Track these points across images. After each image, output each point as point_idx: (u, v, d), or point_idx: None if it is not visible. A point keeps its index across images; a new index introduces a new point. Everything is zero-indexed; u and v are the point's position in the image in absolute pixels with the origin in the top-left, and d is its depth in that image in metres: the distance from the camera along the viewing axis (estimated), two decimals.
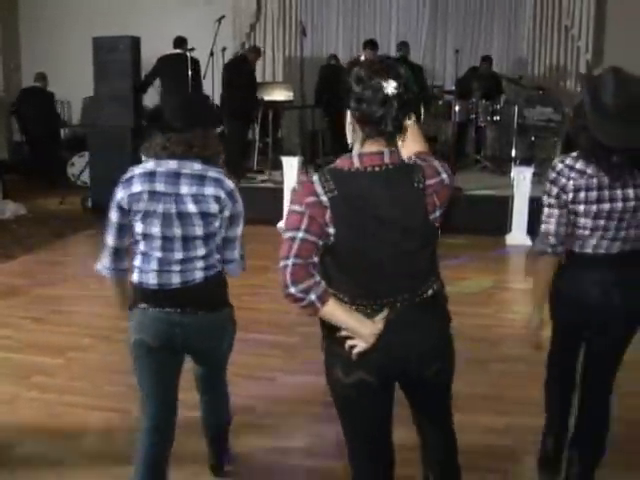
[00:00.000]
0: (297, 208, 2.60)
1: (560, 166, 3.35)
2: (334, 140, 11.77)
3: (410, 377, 2.85)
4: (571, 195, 3.30)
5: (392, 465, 3.04)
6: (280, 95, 12.27)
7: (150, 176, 3.32)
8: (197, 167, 3.31)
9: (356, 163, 2.60)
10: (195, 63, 11.56)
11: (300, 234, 2.59)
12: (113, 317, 6.44)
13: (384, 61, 2.67)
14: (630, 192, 3.26)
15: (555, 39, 13.48)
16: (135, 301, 3.44)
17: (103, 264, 3.53)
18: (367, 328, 2.66)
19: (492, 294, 7.35)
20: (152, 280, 3.34)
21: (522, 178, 9.28)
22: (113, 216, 3.41)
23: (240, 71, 11.49)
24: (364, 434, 2.93)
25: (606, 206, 3.27)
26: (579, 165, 3.30)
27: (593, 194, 3.27)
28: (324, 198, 2.56)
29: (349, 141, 2.71)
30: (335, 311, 2.66)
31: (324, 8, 14.26)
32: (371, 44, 11.70)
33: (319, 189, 2.58)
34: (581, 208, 3.30)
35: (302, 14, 14.17)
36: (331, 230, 2.59)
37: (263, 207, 9.86)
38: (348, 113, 2.65)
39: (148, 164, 3.39)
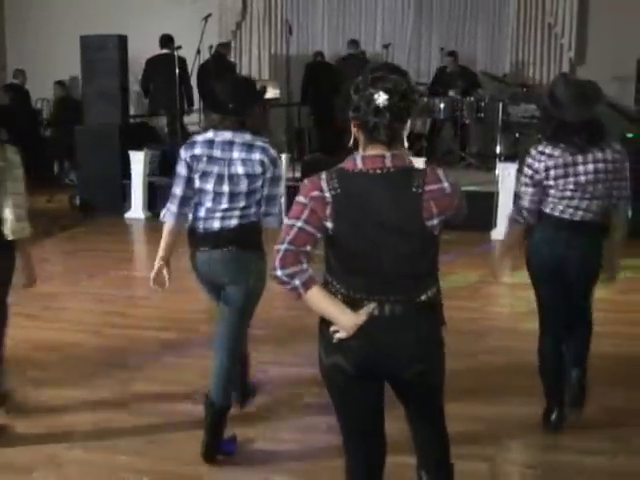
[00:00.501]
0: (302, 200, 2.75)
1: (534, 152, 4.20)
2: (320, 137, 11.85)
3: (394, 376, 2.91)
4: (543, 174, 4.14)
5: (380, 454, 3.17)
6: (267, 93, 12.31)
7: (209, 143, 4.06)
8: (247, 137, 4.03)
9: (359, 165, 2.72)
10: (182, 62, 11.66)
11: (299, 223, 2.73)
12: (104, 313, 6.57)
13: (382, 69, 2.72)
14: (590, 167, 4.09)
15: (538, 37, 13.57)
16: (191, 242, 4.22)
17: (170, 210, 4.20)
18: (348, 319, 2.74)
19: (478, 288, 7.44)
20: (200, 224, 4.12)
21: (507, 174, 9.38)
22: (182, 171, 4.11)
23: (222, 68, 11.62)
24: (346, 418, 3.07)
25: (571, 179, 4.10)
26: (548, 150, 4.14)
27: (560, 171, 4.11)
28: (327, 194, 2.71)
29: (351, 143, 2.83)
30: (317, 298, 2.77)
31: (310, 7, 14.32)
32: (354, 44, 11.90)
33: (324, 185, 2.72)
34: (551, 183, 4.14)
35: (288, 13, 14.22)
36: (329, 225, 2.73)
37: None
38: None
39: (208, 134, 4.10)
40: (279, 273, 2.78)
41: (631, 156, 4.33)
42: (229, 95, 4.07)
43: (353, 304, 2.77)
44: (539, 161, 4.14)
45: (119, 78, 11.10)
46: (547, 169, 4.12)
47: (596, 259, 4.29)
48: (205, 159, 4.04)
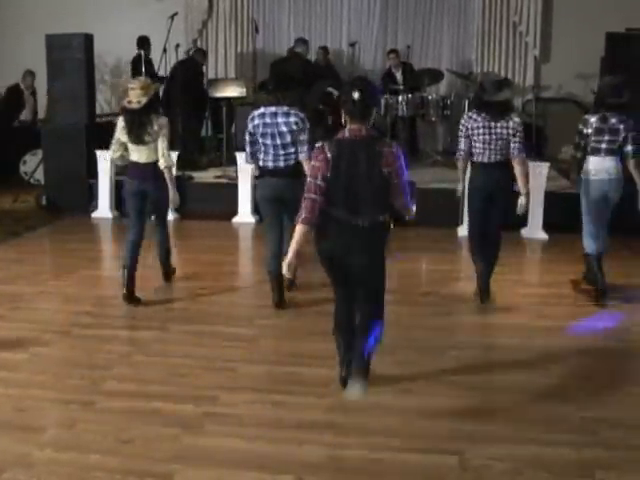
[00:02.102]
0: (315, 163, 4.52)
1: (466, 117, 6.81)
2: None
3: (351, 261, 4.61)
4: (470, 131, 6.65)
5: (353, 297, 4.84)
6: (233, 91, 12.28)
7: (262, 115, 6.57)
8: (285, 109, 6.55)
9: (347, 134, 4.55)
10: (148, 62, 11.74)
11: (317, 180, 4.48)
12: (72, 313, 6.55)
13: (358, 79, 5.03)
14: (499, 129, 6.52)
15: (504, 35, 13.70)
16: (260, 175, 6.78)
17: (245, 159, 6.92)
18: (291, 257, 4.49)
19: (447, 284, 7.50)
20: (269, 164, 6.63)
21: None
22: (248, 138, 6.65)
23: (190, 71, 11.68)
24: (332, 277, 4.85)
25: (487, 137, 6.55)
26: (474, 116, 6.65)
27: (480, 130, 6.58)
28: (329, 155, 4.48)
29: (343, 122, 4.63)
30: (298, 232, 4.47)
31: (276, 5, 14.32)
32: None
33: (327, 150, 4.49)
34: (475, 137, 6.62)
35: (254, 11, 14.22)
36: (329, 174, 4.47)
37: (217, 203, 9.94)
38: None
39: (260, 109, 6.64)
40: (303, 213, 4.47)
41: None
42: (272, 81, 6.92)
43: (339, 222, 4.51)
44: (467, 122, 6.69)
45: (85, 77, 11.02)
46: (472, 128, 6.63)
47: (506, 182, 6.69)
48: (261, 126, 6.55)
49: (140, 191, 6.85)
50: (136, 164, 6.82)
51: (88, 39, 11.08)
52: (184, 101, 11.54)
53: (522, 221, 9.49)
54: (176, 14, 11.78)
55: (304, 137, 6.53)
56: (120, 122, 6.81)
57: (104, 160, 10.67)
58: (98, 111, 12.67)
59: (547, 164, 9.78)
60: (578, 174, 6.95)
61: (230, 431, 4.41)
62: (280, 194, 6.56)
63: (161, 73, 11.77)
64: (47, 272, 7.95)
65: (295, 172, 6.52)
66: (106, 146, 10.76)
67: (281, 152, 6.54)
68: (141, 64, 12.00)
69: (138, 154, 6.78)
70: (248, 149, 6.70)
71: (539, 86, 13.52)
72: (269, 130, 6.50)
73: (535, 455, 4.12)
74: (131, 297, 6.70)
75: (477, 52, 13.79)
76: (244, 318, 6.51)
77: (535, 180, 9.43)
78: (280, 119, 6.49)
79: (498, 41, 13.73)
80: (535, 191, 9.45)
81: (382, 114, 11.71)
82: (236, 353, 5.60)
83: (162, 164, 6.71)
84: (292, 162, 6.56)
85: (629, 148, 6.74)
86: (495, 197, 6.62)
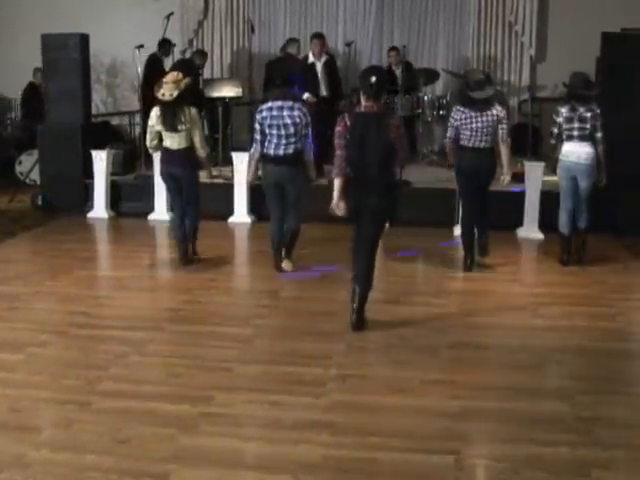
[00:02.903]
0: (338, 127, 5.96)
1: (455, 110, 7.83)
2: None
3: (366, 207, 6.00)
4: (458, 122, 7.71)
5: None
6: (229, 91, 12.26)
7: (270, 109, 7.50)
8: (290, 103, 7.50)
9: (362, 109, 5.99)
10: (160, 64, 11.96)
11: (339, 140, 5.94)
12: (68, 313, 6.54)
13: (373, 67, 6.71)
14: (483, 119, 7.60)
15: (499, 35, 13.70)
16: (263, 161, 7.61)
17: (257, 148, 7.61)
18: (336, 200, 5.99)
19: (442, 284, 7.51)
20: (272, 152, 7.49)
21: None
22: (257, 127, 7.54)
23: (186, 73, 11.64)
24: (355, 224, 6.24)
25: (474, 125, 7.61)
26: (461, 109, 7.71)
27: (467, 120, 7.63)
28: (348, 123, 5.92)
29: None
30: (335, 185, 6.00)
31: (272, 5, 14.29)
32: (318, 36, 11.83)
33: (347, 119, 5.95)
34: (463, 127, 7.68)
35: (250, 11, 14.21)
36: (347, 137, 5.91)
37: (214, 203, 9.92)
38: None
39: (268, 103, 7.59)
40: (335, 169, 6.01)
41: None
42: (279, 78, 7.73)
43: (355, 179, 5.98)
44: (456, 114, 7.74)
45: (81, 77, 11.02)
46: (461, 119, 7.67)
47: (492, 164, 7.78)
48: (268, 118, 7.46)
49: (169, 174, 7.89)
50: (168, 150, 7.80)
51: (84, 39, 11.07)
52: None
53: (518, 221, 9.52)
54: (172, 14, 11.81)
55: (306, 131, 7.51)
56: (154, 112, 7.74)
57: (100, 160, 10.68)
58: (94, 111, 12.68)
59: (543, 164, 9.77)
60: (555, 160, 8.08)
61: (226, 431, 4.41)
62: (280, 178, 7.55)
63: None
64: (43, 272, 7.94)
65: (294, 160, 7.49)
66: (102, 146, 10.93)
67: (283, 142, 7.44)
68: (157, 65, 12.22)
69: (170, 141, 7.74)
70: (259, 137, 7.54)
71: (535, 86, 13.53)
72: (275, 122, 7.42)
73: (531, 455, 4.12)
74: (187, 260, 8.04)
75: (473, 52, 13.78)
76: (240, 318, 6.50)
77: (531, 180, 9.46)
78: (286, 112, 7.42)
79: (494, 41, 13.73)
80: (531, 191, 9.47)
81: None
82: (232, 353, 5.60)
83: (202, 154, 7.92)
84: (291, 151, 7.46)
85: (599, 135, 7.76)
86: (480, 176, 7.74)
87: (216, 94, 12.28)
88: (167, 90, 7.55)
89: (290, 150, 7.45)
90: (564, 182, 7.98)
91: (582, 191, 7.90)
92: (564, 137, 7.84)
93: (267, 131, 7.44)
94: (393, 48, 13.07)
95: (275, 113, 7.42)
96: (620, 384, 5.18)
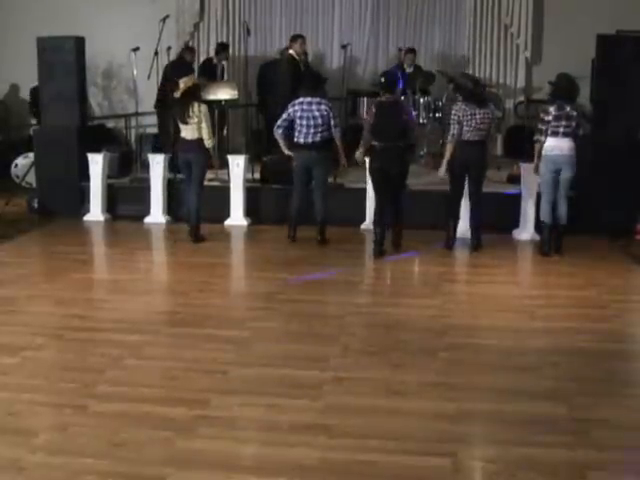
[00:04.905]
0: (365, 117, 9.25)
1: (457, 106, 8.69)
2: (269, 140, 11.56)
3: (389, 172, 8.52)
4: (461, 117, 8.52)
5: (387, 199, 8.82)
6: (225, 94, 12.21)
7: (301, 103, 9.02)
8: (317, 99, 9.05)
9: (383, 99, 8.62)
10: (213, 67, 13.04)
11: (367, 123, 8.65)
12: (64, 316, 6.54)
13: (385, 72, 9.80)
14: (480, 115, 8.51)
15: (495, 37, 13.71)
16: (296, 148, 9.08)
17: (279, 131, 9.18)
18: (359, 155, 8.92)
19: (438, 286, 7.51)
20: (302, 140, 9.03)
21: None
22: (286, 116, 9.07)
23: (182, 73, 11.56)
24: (376, 186, 8.86)
25: (472, 121, 8.48)
26: (463, 106, 8.57)
27: (468, 115, 8.50)
28: (374, 110, 8.58)
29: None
30: (358, 153, 8.90)
31: (267, 8, 14.28)
32: (300, 37, 11.92)
33: (373, 107, 8.67)
34: (464, 122, 8.51)
35: (245, 14, 14.20)
36: (373, 120, 8.49)
37: (210, 205, 9.90)
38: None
39: (300, 99, 9.04)
40: (361, 142, 8.76)
41: None
42: (307, 82, 9.33)
43: (378, 146, 8.50)
44: (459, 110, 8.57)
45: (76, 80, 11.01)
46: (463, 114, 8.51)
47: (485, 157, 8.80)
48: (299, 110, 8.99)
49: (185, 160, 9.28)
50: (183, 139, 9.26)
51: (80, 42, 11.07)
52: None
53: (514, 222, 9.53)
54: (168, 17, 11.75)
55: (333, 120, 8.99)
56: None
57: (95, 163, 10.69)
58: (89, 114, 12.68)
59: None
60: (539, 158, 8.62)
61: (222, 434, 4.40)
62: (309, 161, 9.07)
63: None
64: (39, 275, 7.94)
65: (322, 146, 9.01)
66: (98, 149, 10.92)
67: (312, 131, 8.97)
68: (211, 68, 12.71)
69: (185, 132, 9.20)
70: (284, 123, 9.12)
71: (530, 88, 13.55)
72: (305, 114, 8.97)
73: (528, 456, 4.11)
74: (197, 237, 9.33)
75: (469, 54, 13.80)
76: (236, 321, 6.50)
77: (527, 182, 9.46)
78: (314, 106, 9.00)
79: (490, 43, 13.73)
80: (527, 192, 9.48)
81: None
82: (228, 356, 5.60)
83: (208, 144, 9.22)
84: (319, 139, 8.97)
85: (580, 132, 8.56)
86: (472, 168, 8.67)
87: (212, 97, 12.22)
88: (179, 90, 9.20)
89: (318, 138, 8.96)
90: (548, 175, 8.62)
91: (565, 182, 8.60)
92: (549, 133, 8.51)
93: (298, 122, 8.99)
94: (412, 50, 13.10)
95: (305, 107, 8.98)
96: (617, 386, 5.17)
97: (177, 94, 9.23)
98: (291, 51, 11.72)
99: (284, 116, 9.10)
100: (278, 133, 9.18)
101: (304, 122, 8.94)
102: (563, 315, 6.64)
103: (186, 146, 9.20)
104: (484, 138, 8.65)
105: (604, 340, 6.04)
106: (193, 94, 9.16)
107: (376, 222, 8.66)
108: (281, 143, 9.24)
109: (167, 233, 10.13)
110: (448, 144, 8.78)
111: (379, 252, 8.51)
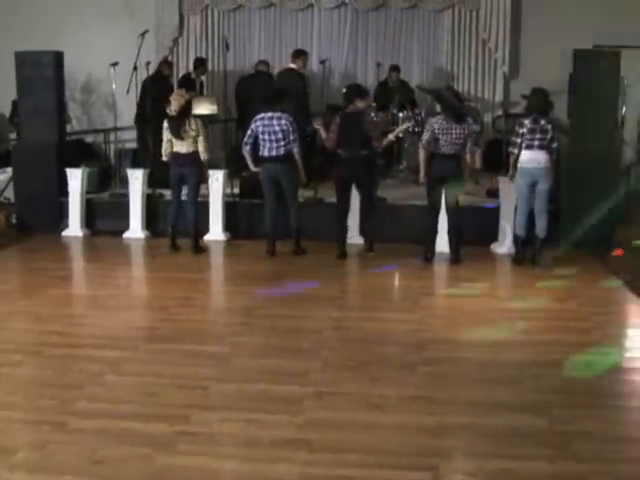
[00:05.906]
0: (332, 127, 9.09)
1: (433, 120, 8.85)
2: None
3: (353, 181, 9.18)
4: (436, 131, 8.67)
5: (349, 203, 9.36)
6: (204, 109, 12.21)
7: (262, 118, 9.19)
8: (278, 114, 9.17)
9: (348, 110, 9.12)
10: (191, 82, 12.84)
11: (332, 132, 9.05)
12: (42, 332, 6.49)
13: (351, 84, 10.39)
14: (458, 129, 8.65)
15: (473, 52, 13.79)
16: (261, 162, 9.26)
17: (246, 148, 9.34)
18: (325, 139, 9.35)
19: (417, 300, 7.52)
20: (267, 153, 9.20)
21: None
22: (250, 132, 9.30)
23: (161, 87, 11.57)
24: (338, 192, 9.30)
25: (448, 135, 8.64)
26: (439, 119, 8.72)
27: (444, 130, 8.65)
28: (338, 120, 9.08)
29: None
30: (329, 149, 9.32)
31: (246, 23, 14.31)
32: (304, 53, 12.14)
33: (337, 117, 9.14)
34: (439, 135, 8.67)
35: (224, 29, 14.22)
36: (338, 128, 8.97)
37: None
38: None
39: (261, 114, 9.25)
40: (329, 144, 9.22)
41: None
42: (271, 94, 9.49)
43: (344, 155, 8.99)
44: (434, 124, 8.71)
45: (55, 95, 10.99)
46: (438, 128, 8.66)
47: (459, 171, 8.89)
48: (261, 125, 9.17)
49: (179, 173, 9.49)
50: (177, 153, 9.45)
51: (58, 57, 11.04)
52: (155, 117, 11.47)
53: (492, 236, 9.56)
54: (147, 31, 11.74)
55: (293, 135, 9.15)
56: (165, 124, 9.44)
57: (74, 178, 10.64)
58: (68, 129, 12.64)
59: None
60: (514, 168, 8.78)
61: (203, 450, 4.37)
62: (274, 173, 9.26)
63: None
64: (17, 291, 7.89)
65: (286, 158, 9.18)
66: (76, 164, 10.88)
67: (274, 145, 9.15)
68: (189, 83, 12.61)
69: (180, 146, 9.40)
70: (250, 140, 9.31)
71: (508, 102, 13.63)
72: (267, 129, 9.16)
73: (508, 469, 4.11)
74: (197, 249, 9.55)
75: (447, 68, 13.87)
76: (216, 336, 6.49)
77: (505, 195, 9.50)
78: (275, 121, 9.15)
79: (467, 58, 13.80)
80: (505, 206, 9.52)
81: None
82: (208, 371, 5.57)
83: (204, 157, 9.47)
84: (282, 152, 9.16)
85: (555, 145, 8.65)
86: (448, 180, 8.76)
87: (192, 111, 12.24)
88: (174, 106, 9.27)
89: (282, 151, 9.16)
90: (524, 188, 8.73)
91: (542, 194, 8.69)
92: (524, 146, 8.64)
93: (260, 137, 9.18)
94: (396, 68, 13.21)
95: (266, 122, 9.17)
96: (597, 398, 5.19)
97: (170, 110, 9.30)
98: (293, 65, 11.84)
99: (248, 132, 9.34)
100: (245, 150, 9.38)
101: (266, 137, 9.15)
102: (543, 328, 6.67)
103: (181, 160, 9.41)
104: (459, 152, 8.80)
105: (584, 352, 6.06)
106: (189, 110, 9.45)
107: (337, 224, 9.28)
108: (248, 160, 9.41)
109: (146, 248, 10.09)
110: (420, 150, 8.98)
111: (342, 253, 9.17)
